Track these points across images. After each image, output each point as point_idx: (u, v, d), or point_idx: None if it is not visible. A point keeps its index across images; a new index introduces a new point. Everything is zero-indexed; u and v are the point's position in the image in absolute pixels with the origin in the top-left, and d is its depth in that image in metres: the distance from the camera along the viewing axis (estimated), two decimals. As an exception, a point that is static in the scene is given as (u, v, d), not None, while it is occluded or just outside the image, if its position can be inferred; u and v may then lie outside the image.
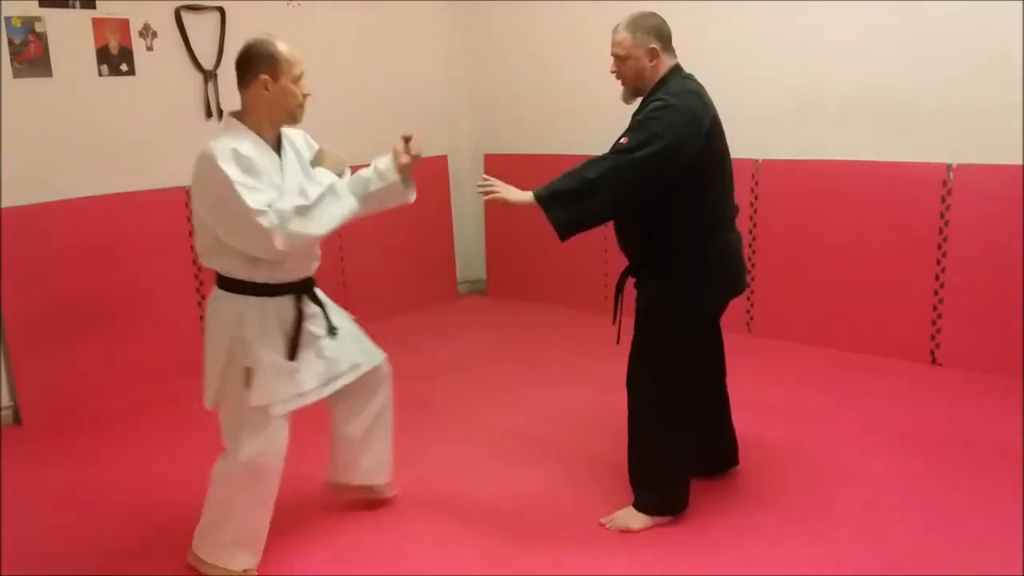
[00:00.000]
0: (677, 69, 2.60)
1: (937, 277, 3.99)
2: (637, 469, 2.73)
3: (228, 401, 2.44)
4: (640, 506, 2.70)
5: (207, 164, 2.25)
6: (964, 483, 2.90)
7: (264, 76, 2.33)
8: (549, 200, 2.50)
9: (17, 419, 3.76)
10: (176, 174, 4.23)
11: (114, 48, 3.95)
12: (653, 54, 2.54)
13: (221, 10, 4.32)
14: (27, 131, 3.71)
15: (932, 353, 4.05)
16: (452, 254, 5.66)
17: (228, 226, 2.29)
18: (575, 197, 2.47)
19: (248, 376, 2.37)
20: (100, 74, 3.93)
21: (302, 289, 2.50)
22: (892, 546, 2.55)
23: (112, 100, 3.98)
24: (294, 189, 2.34)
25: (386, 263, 5.17)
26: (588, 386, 3.94)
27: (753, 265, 4.53)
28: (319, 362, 2.51)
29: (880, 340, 4.16)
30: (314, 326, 2.51)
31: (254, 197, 2.22)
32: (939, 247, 3.97)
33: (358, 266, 4.96)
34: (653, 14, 2.59)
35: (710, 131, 2.51)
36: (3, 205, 3.64)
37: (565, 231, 2.52)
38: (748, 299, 4.57)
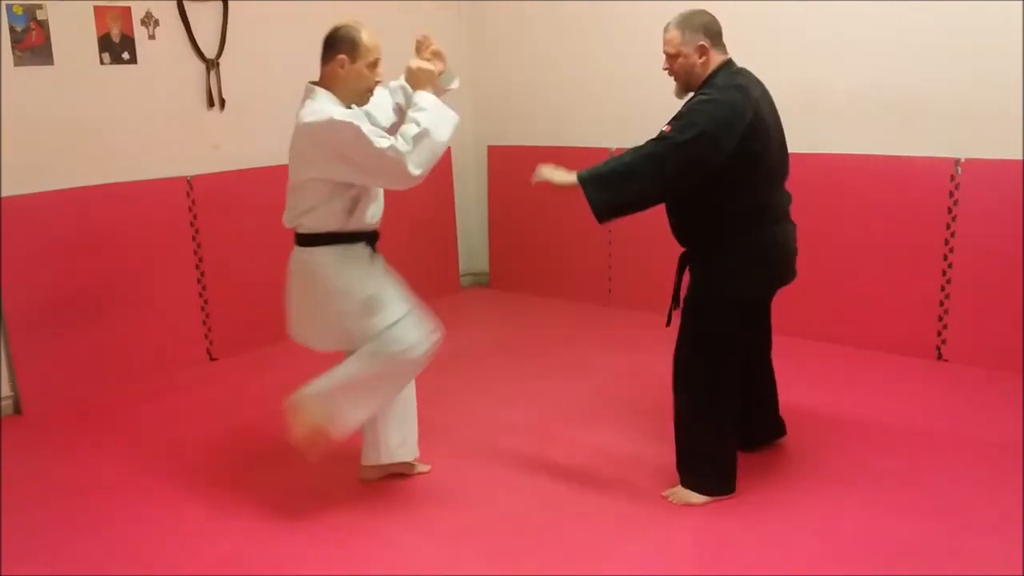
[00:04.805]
0: (728, 64, 2.67)
1: (944, 273, 3.96)
2: (681, 452, 2.81)
3: (359, 334, 2.67)
4: (687, 485, 2.78)
5: (323, 127, 2.49)
6: (969, 480, 2.89)
7: (342, 56, 2.56)
8: (589, 181, 2.57)
9: (18, 409, 3.75)
10: (177, 163, 4.22)
11: (116, 36, 3.92)
12: (702, 51, 2.63)
13: (224, -2, 4.30)
14: (28, 120, 3.68)
15: (938, 349, 4.02)
16: (455, 246, 5.63)
17: (362, 170, 2.54)
18: (615, 180, 2.56)
19: (373, 302, 2.67)
20: (102, 62, 3.90)
21: (373, 237, 2.81)
22: (895, 544, 2.53)
23: (114, 89, 3.95)
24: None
25: (389, 255, 5.09)
26: (591, 380, 3.93)
27: (758, 259, 4.50)
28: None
29: (886, 336, 4.13)
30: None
31: (379, 142, 2.46)
32: (946, 242, 3.94)
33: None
34: (703, 11, 2.67)
35: (752, 125, 2.56)
36: (3, 194, 3.62)
37: (603, 213, 2.58)
38: (752, 293, 4.54)
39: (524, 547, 2.58)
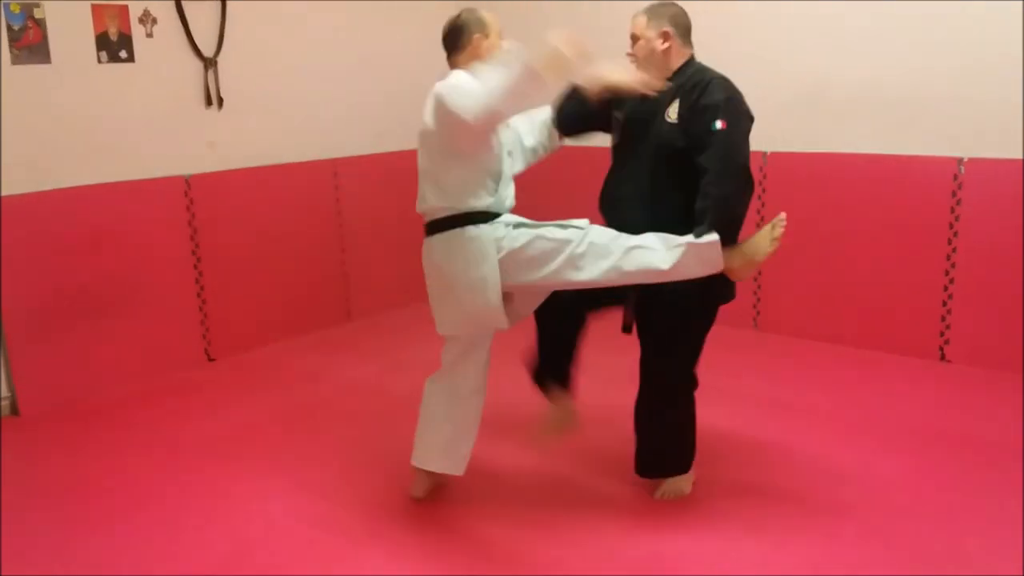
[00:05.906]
0: (693, 60, 2.64)
1: (947, 272, 3.94)
2: (672, 446, 2.82)
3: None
4: (679, 471, 2.82)
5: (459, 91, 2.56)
6: (972, 481, 2.87)
7: (478, 35, 2.71)
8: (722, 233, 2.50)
9: (15, 410, 3.72)
10: (175, 162, 4.20)
11: (113, 35, 3.90)
12: (665, 36, 2.58)
13: (222, -4, 4.28)
14: (25, 118, 3.65)
15: (941, 349, 4.01)
16: (454, 246, 5.60)
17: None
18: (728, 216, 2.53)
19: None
20: (99, 61, 3.88)
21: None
22: (897, 545, 2.52)
23: (111, 87, 3.93)
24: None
25: (387, 255, 5.13)
26: (592, 381, 3.90)
27: (759, 259, 4.48)
28: None
29: (888, 336, 4.12)
30: None
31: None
32: (949, 242, 3.92)
33: (359, 258, 4.91)
34: (674, 4, 2.66)
35: None
36: (1, 194, 3.60)
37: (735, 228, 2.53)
38: (755, 293, 4.52)
39: (524, 547, 2.57)
